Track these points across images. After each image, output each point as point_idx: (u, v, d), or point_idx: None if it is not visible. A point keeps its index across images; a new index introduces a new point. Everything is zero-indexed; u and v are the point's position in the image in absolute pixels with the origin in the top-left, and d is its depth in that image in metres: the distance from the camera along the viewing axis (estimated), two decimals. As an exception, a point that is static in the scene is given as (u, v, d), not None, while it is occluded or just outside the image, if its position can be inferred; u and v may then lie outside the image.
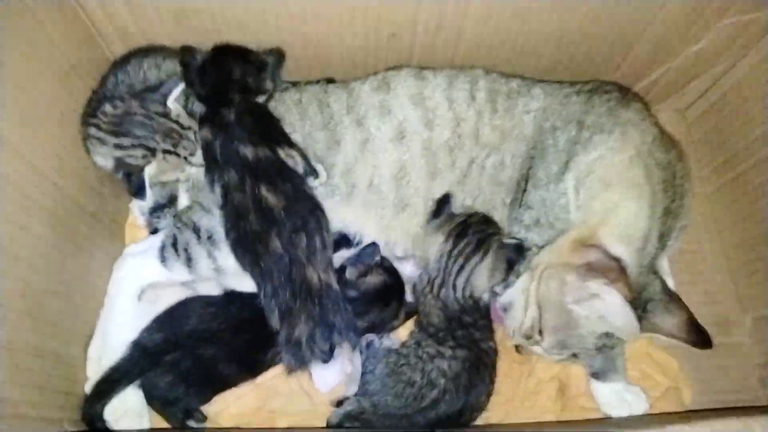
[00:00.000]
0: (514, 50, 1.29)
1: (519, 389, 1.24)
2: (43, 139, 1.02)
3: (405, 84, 1.22)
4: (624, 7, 1.19)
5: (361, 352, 1.15)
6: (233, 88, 1.13)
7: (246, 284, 1.17)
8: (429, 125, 1.20)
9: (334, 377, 1.15)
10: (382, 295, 1.18)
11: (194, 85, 1.15)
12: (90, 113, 1.13)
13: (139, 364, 1.10)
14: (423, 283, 1.15)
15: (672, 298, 1.12)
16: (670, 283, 1.18)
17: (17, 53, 0.96)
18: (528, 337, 1.12)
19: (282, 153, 1.11)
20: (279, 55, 1.20)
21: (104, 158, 1.12)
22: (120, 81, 1.19)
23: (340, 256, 1.21)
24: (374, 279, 1.17)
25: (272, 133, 1.13)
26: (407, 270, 1.27)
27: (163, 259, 1.18)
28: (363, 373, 1.12)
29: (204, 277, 1.20)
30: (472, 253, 1.11)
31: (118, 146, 1.10)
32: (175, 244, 1.18)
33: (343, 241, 1.24)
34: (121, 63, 1.22)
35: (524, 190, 1.18)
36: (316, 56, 1.30)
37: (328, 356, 1.04)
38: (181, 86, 1.15)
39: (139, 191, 1.12)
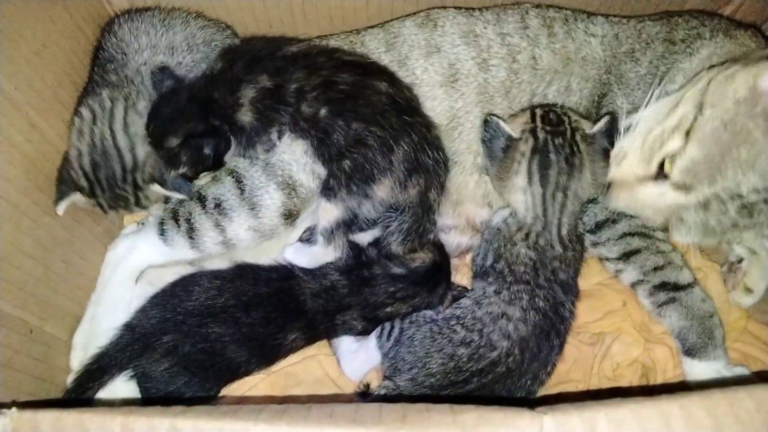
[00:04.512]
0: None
1: (593, 377, 1.02)
2: (44, 96, 0.89)
3: (454, 21, 1.07)
4: None
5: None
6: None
7: (264, 257, 1.02)
8: (484, 66, 1.04)
9: (365, 363, 0.99)
10: (432, 276, 0.99)
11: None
12: None
13: (129, 349, 0.92)
14: (511, 231, 0.94)
15: None
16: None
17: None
18: (656, 149, 0.83)
19: None
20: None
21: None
22: None
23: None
24: (425, 256, 0.99)
25: None
26: (452, 242, 1.09)
27: (161, 233, 1.03)
28: (395, 347, 0.94)
29: (210, 254, 1.04)
30: (570, 178, 0.89)
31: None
32: (175, 217, 1.03)
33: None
34: None
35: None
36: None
37: None
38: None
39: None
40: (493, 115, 0.97)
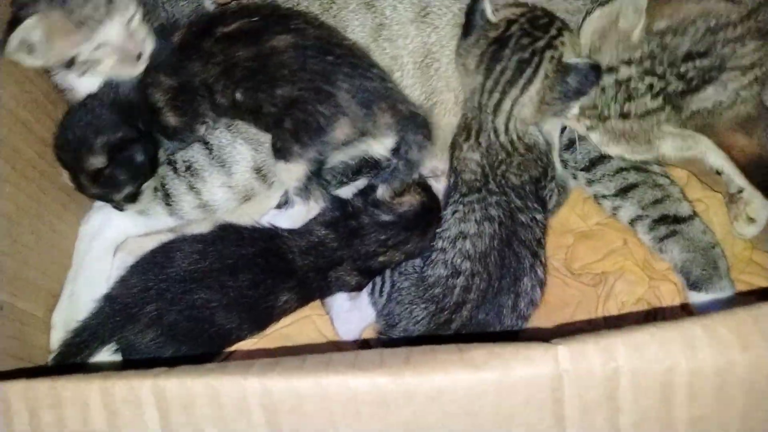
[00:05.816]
0: None
1: (599, 317, 0.98)
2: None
3: None
4: None
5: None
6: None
7: (246, 219, 0.98)
8: None
9: (359, 322, 0.96)
10: (422, 219, 0.95)
11: None
12: None
13: (110, 321, 0.87)
14: (460, 131, 0.91)
15: None
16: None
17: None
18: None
19: None
20: None
21: None
22: None
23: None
24: (412, 199, 0.95)
25: None
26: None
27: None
28: (388, 303, 0.91)
29: (189, 219, 1.01)
30: (512, 83, 0.85)
31: None
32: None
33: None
34: None
35: None
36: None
37: None
38: None
39: None
40: None
